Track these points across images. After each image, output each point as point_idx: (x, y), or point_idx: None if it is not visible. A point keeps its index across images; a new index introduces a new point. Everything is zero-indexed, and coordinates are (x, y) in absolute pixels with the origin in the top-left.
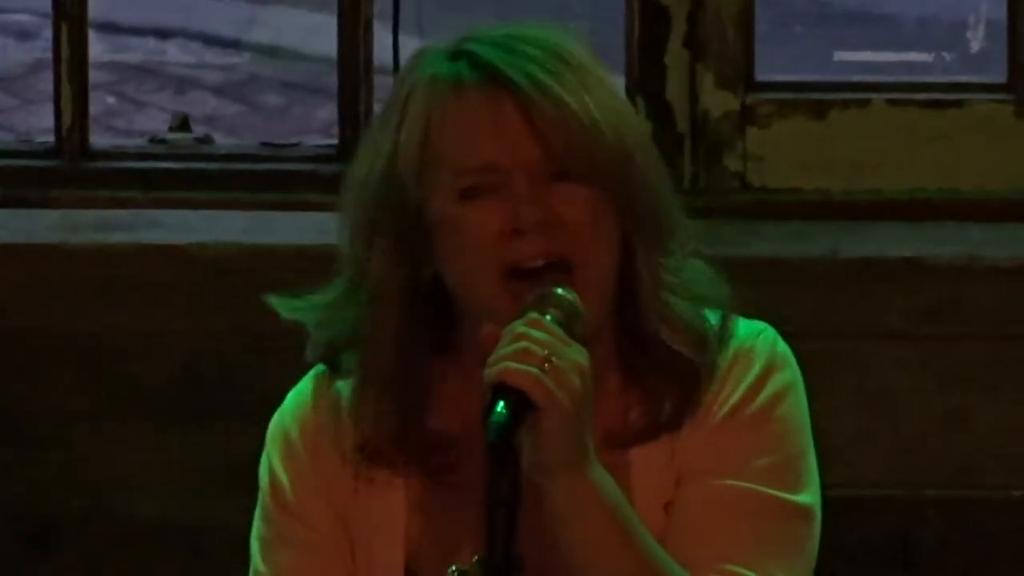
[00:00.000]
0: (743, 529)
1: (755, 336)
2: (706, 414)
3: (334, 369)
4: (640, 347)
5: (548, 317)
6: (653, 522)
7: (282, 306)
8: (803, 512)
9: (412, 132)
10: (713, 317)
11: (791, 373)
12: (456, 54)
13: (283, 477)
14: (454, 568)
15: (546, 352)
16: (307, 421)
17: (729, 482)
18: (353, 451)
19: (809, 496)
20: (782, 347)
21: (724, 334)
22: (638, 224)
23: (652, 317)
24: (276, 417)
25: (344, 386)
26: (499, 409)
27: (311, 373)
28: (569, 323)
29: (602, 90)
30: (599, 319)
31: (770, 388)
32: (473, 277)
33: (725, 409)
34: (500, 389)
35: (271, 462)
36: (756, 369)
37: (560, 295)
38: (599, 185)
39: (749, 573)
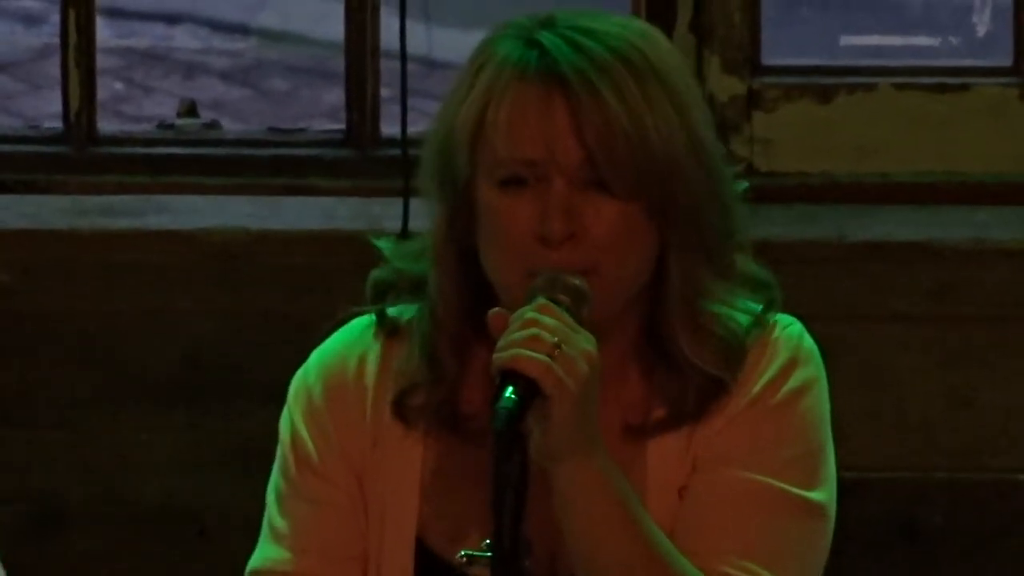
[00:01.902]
0: (754, 523)
1: (781, 329)
2: (726, 403)
3: (381, 316)
4: (661, 353)
5: (557, 303)
6: (667, 507)
7: (386, 248)
8: (816, 509)
9: (470, 110)
10: (747, 320)
11: (814, 369)
12: (530, 41)
13: (304, 433)
14: (463, 552)
15: (556, 339)
16: (331, 378)
17: (744, 474)
18: (375, 411)
19: (824, 494)
20: (808, 342)
21: (754, 332)
22: (678, 240)
23: (677, 330)
24: (300, 372)
25: (375, 345)
26: (507, 395)
27: (341, 330)
28: (577, 308)
29: (666, 102)
30: (611, 315)
31: (792, 382)
32: (500, 266)
33: (746, 400)
34: (509, 375)
35: (292, 418)
36: (779, 362)
37: (568, 280)
38: (638, 200)
39: (756, 568)
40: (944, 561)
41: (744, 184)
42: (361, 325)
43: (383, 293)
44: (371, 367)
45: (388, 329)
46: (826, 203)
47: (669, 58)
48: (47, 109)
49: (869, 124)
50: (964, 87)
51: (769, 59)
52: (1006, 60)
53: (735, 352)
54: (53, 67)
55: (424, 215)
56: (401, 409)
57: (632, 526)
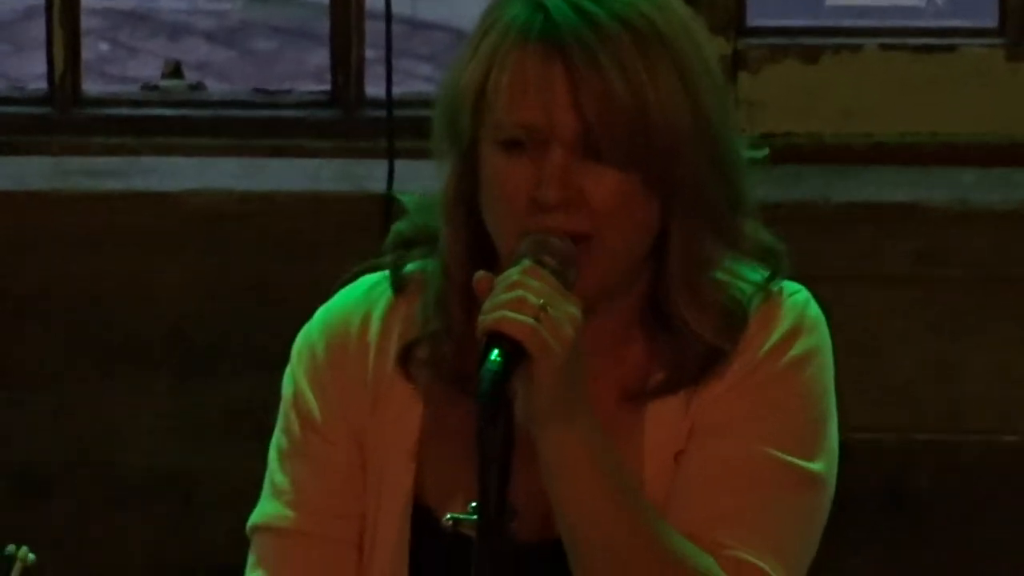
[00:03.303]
0: (751, 493)
1: (786, 297)
2: (727, 369)
3: (396, 269)
4: (662, 322)
5: (543, 265)
6: (664, 472)
7: (409, 201)
8: (815, 481)
9: (475, 72)
10: (751, 287)
11: (819, 338)
12: (537, 5)
13: (307, 392)
14: (449, 516)
15: (541, 301)
16: (334, 337)
17: (743, 443)
18: (377, 370)
19: (823, 465)
20: (813, 310)
21: (758, 298)
22: (680, 210)
23: (678, 299)
24: (304, 330)
25: (380, 304)
26: (493, 358)
27: (346, 289)
28: (564, 270)
29: (671, 73)
30: (611, 282)
31: (795, 350)
32: (497, 226)
33: (747, 366)
34: (494, 337)
35: (295, 376)
36: (783, 329)
37: (554, 242)
38: (637, 171)
39: (752, 539)
40: (930, 524)
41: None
42: (367, 284)
43: (403, 245)
44: (375, 326)
45: (397, 285)
46: (811, 164)
47: (679, 24)
48: (32, 70)
49: (855, 85)
50: (950, 48)
51: (754, 20)
52: (991, 21)
53: (737, 321)
54: (38, 28)
55: (436, 173)
56: (405, 362)
57: (616, 493)
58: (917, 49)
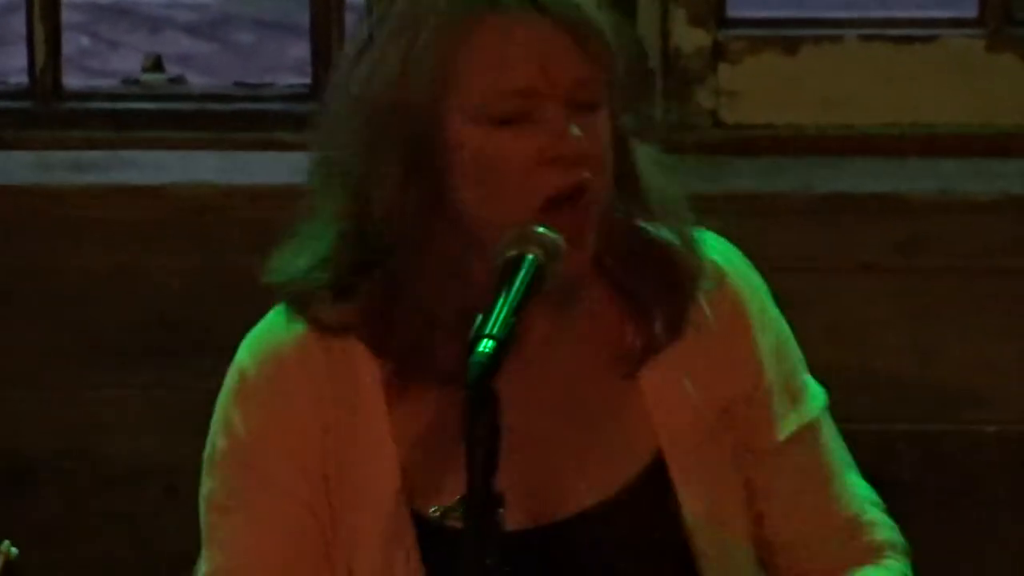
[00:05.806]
0: (828, 464)
1: (714, 245)
2: (700, 314)
3: (315, 321)
4: (633, 251)
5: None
6: (683, 437)
7: (280, 267)
8: (819, 393)
9: (427, 56)
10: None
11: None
12: None
13: (240, 427)
14: (435, 508)
15: None
16: (267, 362)
17: (786, 435)
18: (332, 385)
19: (815, 386)
20: (738, 253)
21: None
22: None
23: (646, 229)
24: (234, 362)
25: (306, 324)
26: (481, 349)
27: (271, 313)
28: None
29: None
30: (599, 243)
31: (761, 288)
32: (506, 205)
33: (734, 317)
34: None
35: (226, 411)
36: (746, 279)
37: (542, 234)
38: (612, 112)
39: (862, 492)
40: (913, 515)
41: None
42: (284, 308)
43: (307, 303)
44: (313, 343)
45: (326, 327)
46: (793, 155)
47: None
48: (13, 64)
49: (835, 76)
50: (930, 39)
51: (734, 11)
52: (971, 11)
53: (692, 244)
54: (18, 22)
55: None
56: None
57: None
58: (897, 40)
